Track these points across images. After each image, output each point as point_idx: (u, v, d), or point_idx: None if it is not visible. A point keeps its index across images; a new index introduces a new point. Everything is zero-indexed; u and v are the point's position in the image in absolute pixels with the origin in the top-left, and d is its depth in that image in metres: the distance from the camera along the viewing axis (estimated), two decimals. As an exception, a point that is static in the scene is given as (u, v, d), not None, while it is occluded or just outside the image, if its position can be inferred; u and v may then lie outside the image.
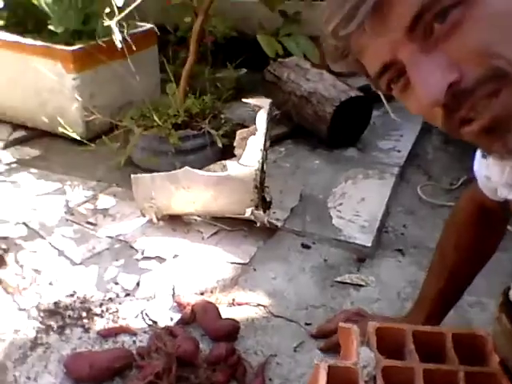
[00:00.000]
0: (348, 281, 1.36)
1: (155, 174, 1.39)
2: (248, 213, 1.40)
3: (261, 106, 1.45)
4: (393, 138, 2.17)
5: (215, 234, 1.50)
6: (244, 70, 2.76)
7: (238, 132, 1.74)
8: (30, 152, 2.00)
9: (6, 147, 2.02)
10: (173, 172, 1.38)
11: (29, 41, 2.04)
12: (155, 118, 1.79)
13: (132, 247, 1.42)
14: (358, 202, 1.69)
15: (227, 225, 1.52)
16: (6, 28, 2.15)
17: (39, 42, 2.03)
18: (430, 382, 0.63)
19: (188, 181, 1.37)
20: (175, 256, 1.39)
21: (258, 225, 1.46)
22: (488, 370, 0.67)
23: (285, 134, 2.14)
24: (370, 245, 1.47)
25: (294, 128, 2.17)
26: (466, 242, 0.76)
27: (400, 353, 0.70)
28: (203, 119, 1.84)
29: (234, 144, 1.74)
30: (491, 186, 0.69)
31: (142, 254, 1.38)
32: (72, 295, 1.24)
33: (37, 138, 2.10)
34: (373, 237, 1.50)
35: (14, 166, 1.89)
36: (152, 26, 2.37)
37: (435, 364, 0.66)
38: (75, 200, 1.65)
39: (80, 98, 1.97)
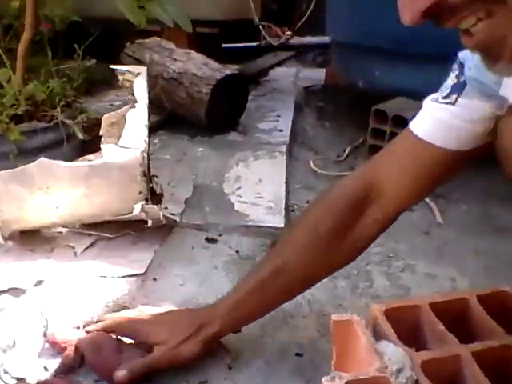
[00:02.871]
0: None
1: (-6, 173, 0.98)
2: (137, 209, 1.08)
3: (136, 73, 1.16)
4: (270, 118, 2.05)
5: (91, 245, 1.14)
6: (93, 61, 2.38)
7: (105, 117, 1.40)
8: None
9: None
10: (22, 168, 0.99)
11: None
12: (-17, 110, 1.34)
13: (-30, 284, 0.98)
14: (257, 183, 1.50)
15: (107, 231, 1.17)
16: None
17: None
18: (481, 365, 0.43)
19: (46, 177, 1.00)
20: (38, 283, 1.00)
21: (150, 224, 1.15)
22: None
23: (158, 124, 1.84)
24: (282, 225, 1.28)
25: (168, 116, 1.89)
26: (332, 227, 0.59)
27: (415, 335, 0.49)
28: (52, 108, 1.45)
29: (101, 133, 1.40)
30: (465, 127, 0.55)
31: (-12, 289, 0.96)
32: None
33: None
34: (283, 217, 1.32)
35: None
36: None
37: (480, 342, 0.46)
38: None
39: None
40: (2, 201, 0.99)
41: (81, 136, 1.41)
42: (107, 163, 1.04)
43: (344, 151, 1.82)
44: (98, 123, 1.56)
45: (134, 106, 1.09)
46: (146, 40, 2.00)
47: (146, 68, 1.20)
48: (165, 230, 1.22)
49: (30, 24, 1.41)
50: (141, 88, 1.12)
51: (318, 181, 1.62)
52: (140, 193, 1.10)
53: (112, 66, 1.31)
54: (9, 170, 0.99)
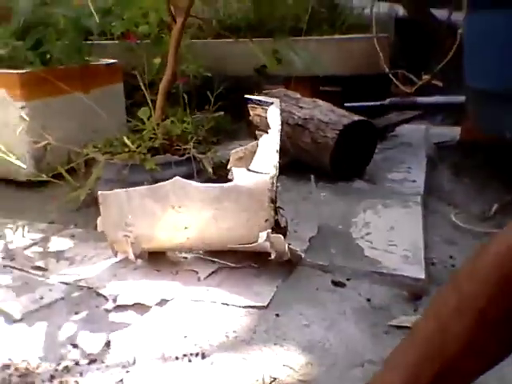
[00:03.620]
0: (407, 324, 0.98)
1: (132, 188, 1.00)
2: (262, 238, 1.02)
3: (270, 102, 1.15)
4: (401, 170, 1.91)
5: (214, 273, 1.09)
6: (221, 113, 2.52)
7: (233, 152, 1.41)
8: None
9: None
10: (158, 185, 1.00)
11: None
12: (126, 141, 1.43)
13: (99, 294, 0.98)
14: (388, 230, 1.35)
15: (230, 260, 1.12)
16: None
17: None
18: None
19: (180, 196, 0.99)
20: (162, 302, 0.96)
21: (273, 256, 1.07)
22: None
23: (280, 168, 1.82)
24: (423, 277, 1.11)
25: (290, 161, 1.87)
26: (503, 313, 0.41)
27: None
28: (185, 143, 1.51)
29: (229, 166, 1.40)
30: None
31: (114, 301, 0.95)
32: (7, 366, 0.79)
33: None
34: (422, 268, 1.15)
35: None
36: (116, 60, 2.11)
37: None
38: (18, 244, 1.21)
39: (27, 131, 1.59)
40: (137, 216, 1.00)
41: (210, 169, 1.43)
42: (237, 186, 1.01)
43: (490, 208, 1.60)
44: (223, 166, 1.59)
45: (267, 132, 1.07)
46: (273, 90, 2.06)
47: (279, 99, 1.18)
48: (288, 266, 1.13)
49: (172, 58, 1.51)
50: (274, 116, 1.11)
51: (462, 236, 1.42)
52: (266, 220, 1.04)
53: (247, 96, 1.33)
54: (146, 186, 1.01)
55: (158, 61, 2.29)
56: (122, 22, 2.18)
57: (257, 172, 1.02)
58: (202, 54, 2.46)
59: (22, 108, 1.61)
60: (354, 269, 1.15)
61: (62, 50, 1.77)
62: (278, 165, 1.07)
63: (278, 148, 1.06)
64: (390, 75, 2.04)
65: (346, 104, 2.61)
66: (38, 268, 1.08)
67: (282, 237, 1.04)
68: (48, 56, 1.79)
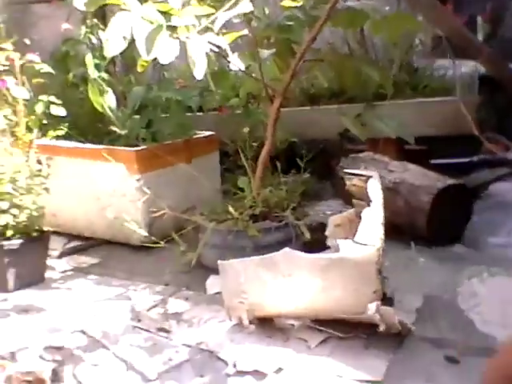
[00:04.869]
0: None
1: (247, 258, 1.09)
2: (371, 310, 1.04)
3: (369, 175, 1.21)
4: (502, 233, 1.84)
5: (323, 341, 1.12)
6: (307, 175, 2.61)
7: (331, 219, 1.48)
8: (86, 260, 1.76)
9: (61, 256, 1.79)
10: (269, 255, 1.08)
11: (90, 145, 1.96)
12: (230, 209, 1.55)
13: (219, 358, 1.05)
14: (501, 303, 1.30)
15: (337, 330, 1.14)
16: (67, 137, 2.08)
17: (102, 146, 1.93)
18: None
19: (289, 266, 1.06)
20: (278, 370, 1.00)
21: (382, 329, 1.08)
22: None
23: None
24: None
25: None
26: None
27: None
28: (282, 210, 1.60)
29: (326, 233, 1.46)
30: None
31: (234, 366, 1.01)
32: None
33: (94, 247, 1.88)
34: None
35: (69, 273, 1.64)
36: (213, 132, 2.31)
37: None
38: (142, 305, 1.34)
39: (144, 200, 1.78)
40: (251, 284, 1.08)
41: (308, 235, 1.49)
42: (344, 258, 1.06)
43: None
44: (317, 229, 1.65)
45: (364, 201, 1.12)
46: (360, 154, 2.12)
47: (376, 172, 1.24)
48: (396, 338, 1.12)
49: (271, 134, 1.64)
50: (374, 189, 1.16)
51: None
52: (374, 292, 1.07)
53: (346, 170, 1.41)
54: (260, 257, 1.09)
55: (246, 130, 2.46)
56: (216, 100, 2.42)
57: (363, 244, 1.06)
58: (287, 121, 2.60)
59: (138, 180, 1.80)
60: (467, 344, 1.11)
61: (169, 128, 1.99)
62: (383, 237, 1.10)
63: (382, 221, 1.10)
64: (482, 138, 2.02)
65: (432, 161, 2.59)
66: (163, 330, 1.18)
67: (392, 309, 1.05)
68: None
